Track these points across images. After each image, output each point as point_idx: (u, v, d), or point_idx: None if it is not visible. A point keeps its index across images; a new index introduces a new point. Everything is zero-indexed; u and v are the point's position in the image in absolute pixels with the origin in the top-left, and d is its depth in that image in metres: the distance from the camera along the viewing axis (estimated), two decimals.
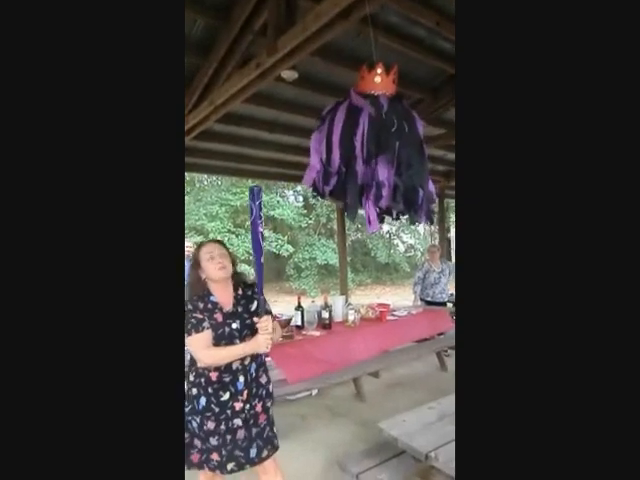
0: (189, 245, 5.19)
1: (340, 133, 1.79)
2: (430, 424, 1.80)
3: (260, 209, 1.55)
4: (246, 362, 1.56)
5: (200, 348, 1.49)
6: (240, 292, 1.60)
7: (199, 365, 1.53)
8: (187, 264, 5.21)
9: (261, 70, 2.41)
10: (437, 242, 8.93)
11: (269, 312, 1.59)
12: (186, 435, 1.54)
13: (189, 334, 1.48)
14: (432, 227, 14.37)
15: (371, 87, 1.83)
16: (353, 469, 1.83)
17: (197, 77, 3.04)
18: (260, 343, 1.46)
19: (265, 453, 1.58)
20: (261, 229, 1.56)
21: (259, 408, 1.58)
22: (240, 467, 1.54)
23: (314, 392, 3.31)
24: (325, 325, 3.19)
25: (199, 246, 1.62)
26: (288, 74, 2.65)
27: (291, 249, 12.07)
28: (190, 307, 1.52)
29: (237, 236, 11.46)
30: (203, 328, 1.49)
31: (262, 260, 1.56)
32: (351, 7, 1.89)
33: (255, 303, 1.59)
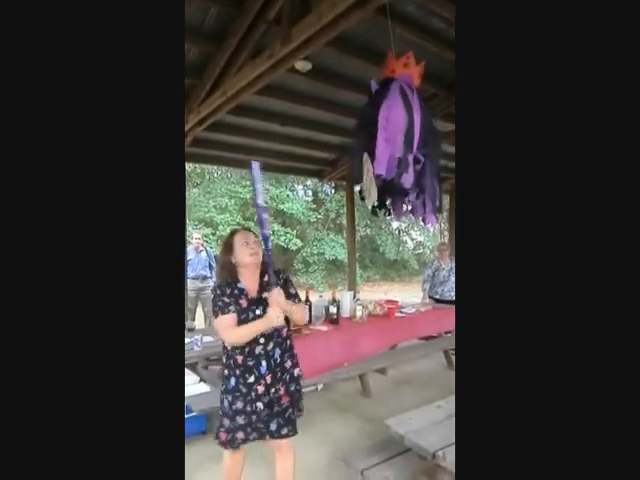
0: (198, 237, 5.21)
1: (420, 119, 1.69)
2: (438, 423, 1.77)
3: (258, 182, 1.55)
4: (269, 347, 1.62)
5: (224, 328, 1.57)
6: (266, 279, 1.65)
7: (228, 347, 1.61)
8: (194, 255, 5.18)
9: (274, 60, 2.38)
10: (447, 240, 8.86)
11: (295, 294, 1.68)
12: (220, 413, 1.65)
13: (216, 316, 1.57)
14: (442, 225, 14.26)
15: (415, 81, 1.79)
16: (358, 465, 1.81)
17: (210, 67, 3.02)
18: (270, 316, 1.51)
19: (285, 431, 1.64)
20: (260, 201, 1.55)
21: (282, 391, 1.64)
22: (261, 436, 1.63)
23: (320, 387, 3.30)
24: (333, 320, 3.17)
25: (233, 233, 1.69)
26: (302, 65, 2.62)
27: (299, 243, 12.06)
28: (218, 292, 1.60)
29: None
30: (229, 311, 1.57)
31: (267, 232, 1.57)
32: None
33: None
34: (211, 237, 10.56)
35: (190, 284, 4.81)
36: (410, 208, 2.13)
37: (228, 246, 1.64)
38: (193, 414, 2.39)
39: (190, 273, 4.84)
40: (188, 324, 3.65)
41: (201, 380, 2.81)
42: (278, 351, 1.63)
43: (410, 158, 1.67)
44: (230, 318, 1.56)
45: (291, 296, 1.67)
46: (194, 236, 5.18)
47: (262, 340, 1.60)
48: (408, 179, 1.70)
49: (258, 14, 2.50)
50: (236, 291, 1.60)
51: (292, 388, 1.67)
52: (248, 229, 1.75)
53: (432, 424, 1.76)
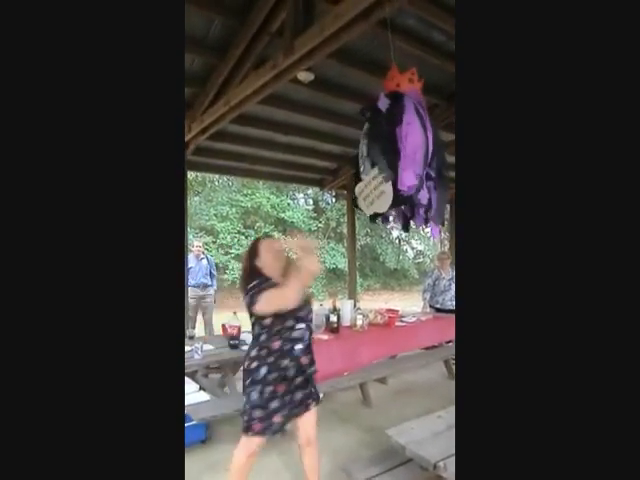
0: (199, 245, 5.22)
1: (432, 136, 1.75)
2: (439, 433, 1.76)
3: None
4: (303, 328, 1.72)
5: (277, 292, 1.60)
6: None
7: (262, 337, 1.67)
8: (195, 263, 5.15)
9: (277, 71, 2.42)
10: (447, 249, 8.85)
11: None
12: (246, 407, 1.68)
13: (262, 292, 1.59)
14: (442, 234, 14.26)
15: (419, 98, 1.83)
16: (359, 476, 1.80)
17: (213, 77, 3.05)
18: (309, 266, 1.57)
19: (310, 401, 1.80)
20: None
21: (309, 373, 1.78)
22: (298, 414, 1.76)
23: (320, 396, 3.28)
24: (333, 329, 3.16)
25: (257, 240, 1.82)
26: (304, 75, 2.65)
27: None
28: (258, 280, 1.65)
29: (247, 237, 11.50)
30: (272, 285, 1.63)
31: None
32: (370, 9, 1.88)
33: None
34: (212, 245, 10.57)
35: (191, 292, 4.81)
36: (400, 216, 2.16)
37: (254, 252, 1.75)
38: (193, 423, 2.37)
39: (191, 281, 4.84)
40: (188, 332, 3.64)
41: (201, 389, 2.80)
42: (308, 334, 1.75)
43: (424, 175, 1.73)
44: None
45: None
46: (195, 244, 5.19)
47: (298, 325, 1.70)
48: (424, 195, 1.76)
49: (261, 26, 2.55)
50: (271, 283, 1.68)
51: (313, 368, 1.82)
52: (270, 236, 1.89)
53: (433, 434, 1.75)
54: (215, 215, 11.40)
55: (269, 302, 1.60)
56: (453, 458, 1.53)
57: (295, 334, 1.71)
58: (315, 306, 3.46)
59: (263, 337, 1.69)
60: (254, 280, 1.68)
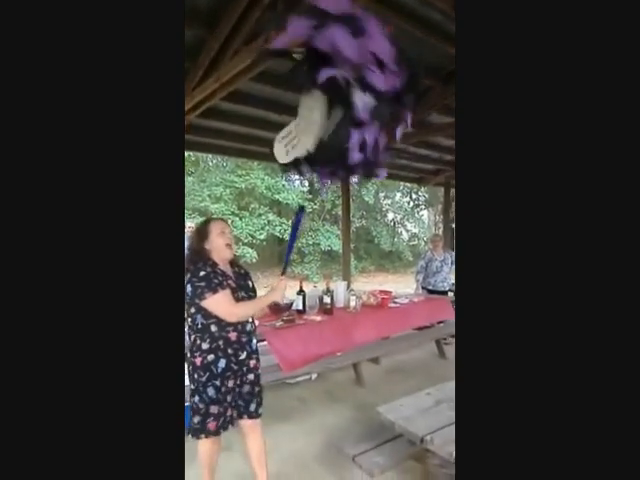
0: (191, 226, 5.19)
1: None
2: (427, 409, 1.80)
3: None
4: (253, 327, 1.71)
5: (227, 304, 1.56)
6: (236, 269, 1.72)
7: (215, 329, 1.58)
8: (188, 244, 5.14)
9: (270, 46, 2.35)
10: (441, 232, 8.90)
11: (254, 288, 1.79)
12: (201, 406, 1.58)
13: (213, 292, 1.53)
14: (437, 216, 14.32)
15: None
16: (350, 451, 1.84)
17: (203, 51, 2.96)
18: (280, 289, 1.63)
19: (260, 411, 1.73)
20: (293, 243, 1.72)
21: (259, 370, 1.73)
22: (239, 416, 1.69)
23: (314, 376, 3.33)
24: (327, 310, 3.19)
25: (208, 220, 1.71)
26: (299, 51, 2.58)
27: None
28: (209, 269, 1.57)
29: (241, 219, 11.45)
30: (225, 286, 1.57)
31: (293, 245, 1.72)
32: None
33: (248, 282, 1.74)
34: None
35: None
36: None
37: (203, 233, 1.65)
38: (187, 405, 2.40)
39: None
40: None
41: None
42: (256, 332, 1.75)
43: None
44: (228, 294, 1.57)
45: (250, 289, 1.73)
46: (187, 225, 5.16)
47: (250, 319, 1.68)
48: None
49: None
50: (219, 272, 1.62)
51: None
52: (223, 219, 1.78)
53: (421, 410, 1.79)
54: (209, 196, 11.30)
55: (227, 308, 1.54)
56: (439, 432, 1.57)
57: (249, 327, 1.66)
58: (309, 288, 3.48)
59: (214, 328, 1.58)
60: (199, 263, 1.58)
